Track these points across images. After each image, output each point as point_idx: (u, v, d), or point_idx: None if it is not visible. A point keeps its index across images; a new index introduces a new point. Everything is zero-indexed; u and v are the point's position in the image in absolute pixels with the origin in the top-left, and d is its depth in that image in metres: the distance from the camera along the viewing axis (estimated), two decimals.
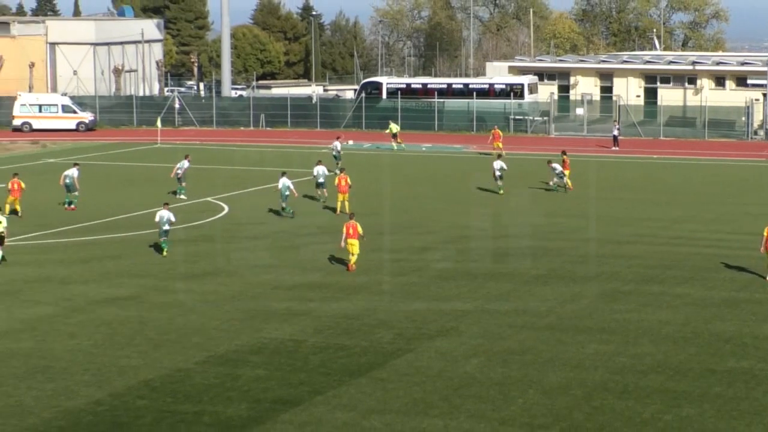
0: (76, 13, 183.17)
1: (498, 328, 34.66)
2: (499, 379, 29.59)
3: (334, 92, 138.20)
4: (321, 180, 58.58)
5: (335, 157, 70.04)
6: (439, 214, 56.29)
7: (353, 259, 42.80)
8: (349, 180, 55.41)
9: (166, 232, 46.00)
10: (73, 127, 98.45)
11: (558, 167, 63.70)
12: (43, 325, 35.14)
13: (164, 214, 46.06)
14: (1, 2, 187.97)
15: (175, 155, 73.09)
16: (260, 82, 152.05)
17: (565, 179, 63.86)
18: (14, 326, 35.07)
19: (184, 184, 60.64)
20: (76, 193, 57.53)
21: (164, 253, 45.75)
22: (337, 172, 57.51)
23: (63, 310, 36.99)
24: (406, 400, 28.03)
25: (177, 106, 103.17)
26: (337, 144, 72.19)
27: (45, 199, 59.70)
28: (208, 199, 60.33)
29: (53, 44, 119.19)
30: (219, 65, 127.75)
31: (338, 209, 54.95)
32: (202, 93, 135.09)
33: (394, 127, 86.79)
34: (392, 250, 46.37)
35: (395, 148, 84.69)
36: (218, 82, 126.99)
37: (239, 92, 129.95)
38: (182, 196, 59.81)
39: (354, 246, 42.55)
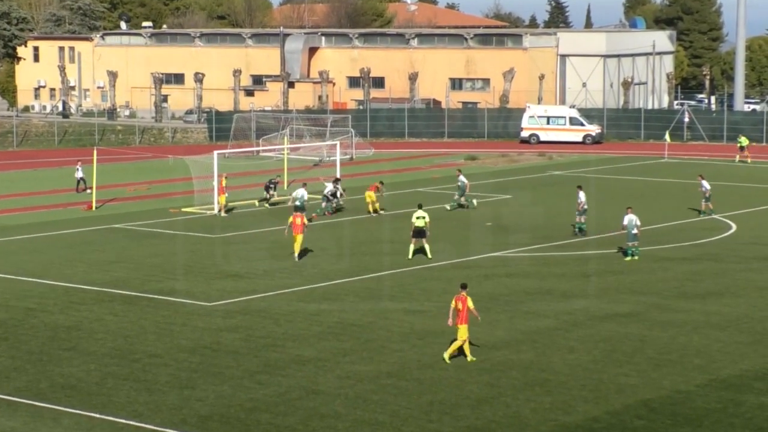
0: (587, 25, 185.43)
1: None
2: None
3: None
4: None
5: None
6: None
7: None
8: None
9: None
10: (580, 139, 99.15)
11: (706, 185, 58.59)
12: (542, 338, 35.28)
13: (299, 192, 55.59)
14: (515, 15, 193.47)
15: (681, 171, 71.93)
16: None
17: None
18: (515, 337, 35.42)
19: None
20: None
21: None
22: None
23: (563, 324, 36.98)
24: None
25: (686, 120, 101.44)
26: None
27: (547, 212, 60.38)
28: (715, 216, 58.71)
29: (563, 56, 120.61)
30: (732, 78, 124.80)
31: None
32: (713, 107, 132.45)
33: (744, 141, 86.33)
34: None
35: (736, 161, 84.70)
36: (730, 96, 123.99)
37: (752, 106, 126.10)
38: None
39: None
